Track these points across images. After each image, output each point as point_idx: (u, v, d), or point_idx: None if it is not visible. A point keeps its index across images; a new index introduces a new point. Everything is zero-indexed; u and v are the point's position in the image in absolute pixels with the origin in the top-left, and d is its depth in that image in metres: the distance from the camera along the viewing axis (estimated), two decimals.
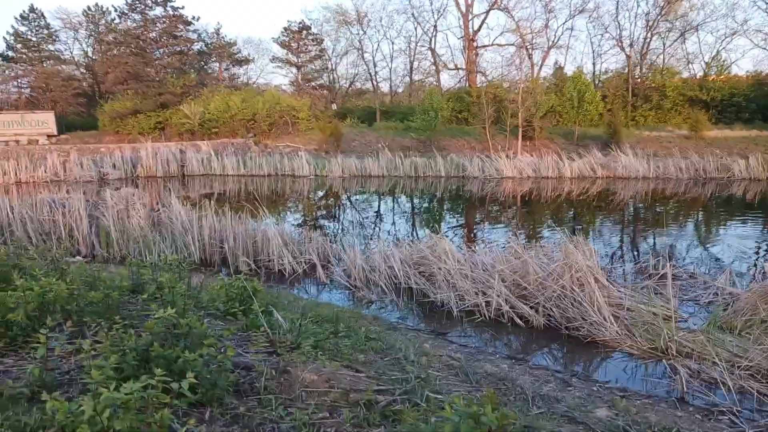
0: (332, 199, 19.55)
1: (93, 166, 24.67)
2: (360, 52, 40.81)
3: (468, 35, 39.71)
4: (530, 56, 36.58)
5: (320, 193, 20.83)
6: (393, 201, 18.78)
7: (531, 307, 6.41)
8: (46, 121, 32.36)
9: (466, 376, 4.04)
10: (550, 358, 5.67)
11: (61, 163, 24.58)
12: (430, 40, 40.76)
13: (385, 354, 4.28)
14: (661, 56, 37.47)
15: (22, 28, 38.49)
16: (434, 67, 41.21)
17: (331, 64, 43.77)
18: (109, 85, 36.79)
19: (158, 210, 10.97)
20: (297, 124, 34.60)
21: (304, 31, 39.70)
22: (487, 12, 39.23)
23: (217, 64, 43.66)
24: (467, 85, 39.35)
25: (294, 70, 42.32)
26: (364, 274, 7.84)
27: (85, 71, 41.21)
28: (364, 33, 40.58)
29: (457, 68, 40.51)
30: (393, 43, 42.32)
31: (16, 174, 23.47)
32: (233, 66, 44.09)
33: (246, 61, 43.39)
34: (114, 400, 2.28)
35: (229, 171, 25.25)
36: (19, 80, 40.25)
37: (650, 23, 35.67)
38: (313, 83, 42.12)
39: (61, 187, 23.07)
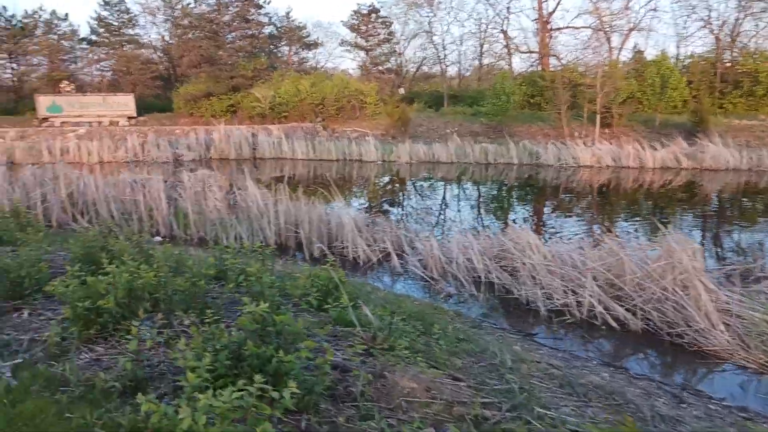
0: (400, 185, 19.27)
1: (169, 147, 25.46)
2: (429, 35, 40.11)
3: (542, 17, 38.19)
4: (608, 39, 34.76)
5: (388, 179, 20.60)
6: (463, 188, 18.30)
7: (627, 310, 5.92)
8: (127, 103, 33.66)
9: (572, 388, 3.67)
10: (652, 367, 5.19)
11: (140, 144, 25.51)
12: (503, 22, 39.51)
13: (479, 358, 3.97)
14: (754, 39, 34.72)
15: (105, 13, 40.12)
16: (506, 50, 39.94)
17: (399, 48, 43.30)
18: (184, 69, 37.88)
19: (234, 193, 11.03)
20: (364, 109, 34.46)
21: (374, 15, 39.35)
22: None
23: (287, 48, 44.06)
24: (539, 68, 37.96)
25: (362, 54, 42.15)
26: (441, 266, 7.53)
27: (162, 55, 42.57)
28: (434, 15, 39.81)
29: (530, 51, 39.07)
30: (463, 26, 41.23)
31: (98, 154, 24.53)
32: (302, 50, 44.39)
33: (315, 44, 43.59)
34: (212, 409, 2.09)
35: (298, 155, 25.43)
36: (101, 63, 42.09)
37: (743, 2, 33.04)
38: (380, 67, 41.79)
39: (139, 167, 24.00)
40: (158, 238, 9.93)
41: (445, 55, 41.67)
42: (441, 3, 39.39)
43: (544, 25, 38.37)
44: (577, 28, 39.17)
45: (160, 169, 23.11)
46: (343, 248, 8.61)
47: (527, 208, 15.08)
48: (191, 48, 37.21)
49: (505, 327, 5.89)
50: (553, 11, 38.03)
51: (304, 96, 33.61)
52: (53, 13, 39.23)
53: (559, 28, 39.71)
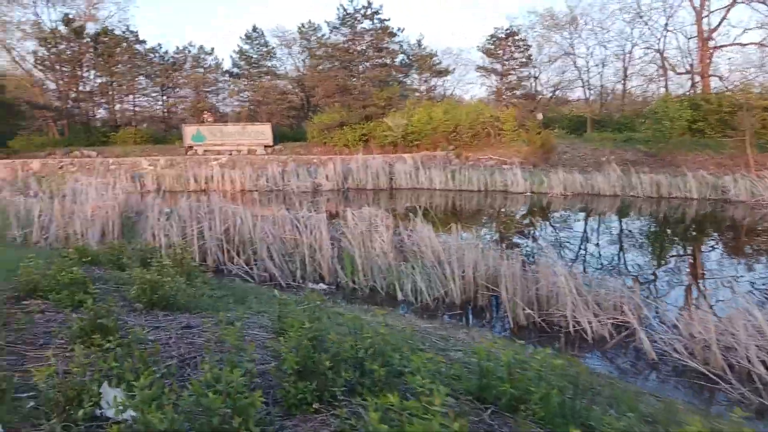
0: (571, 222, 16.76)
1: (308, 176, 25.13)
2: (572, 57, 37.42)
3: (701, 34, 34.24)
4: None
5: (556, 214, 18.08)
6: (655, 229, 15.44)
7: None
8: (264, 132, 34.39)
9: None
10: None
11: (279, 173, 25.44)
12: (658, 41, 35.93)
13: None
14: None
15: (246, 47, 41.89)
16: (660, 71, 36.20)
17: (535, 72, 40.99)
18: (318, 99, 38.25)
19: (402, 233, 9.58)
20: (501, 136, 32.48)
21: (511, 38, 37.49)
22: (730, 6, 33.38)
23: (417, 76, 43.36)
24: (697, 90, 33.92)
25: (494, 79, 40.34)
26: (720, 354, 5.38)
27: (296, 85, 43.59)
28: (579, 36, 37.13)
29: (690, 72, 35.08)
30: (605, 47, 37.97)
31: (241, 183, 24.72)
32: (432, 77, 43.46)
33: (446, 71, 42.46)
34: None
35: (436, 185, 23.99)
36: (240, 94, 43.92)
37: None
38: (516, 92, 39.69)
39: (279, 196, 23.82)
40: (322, 286, 8.68)
41: (589, 78, 38.69)
42: (586, 23, 36.68)
43: (704, 43, 34.39)
44: (743, 45, 34.87)
45: (298, 199, 22.73)
46: (559, 317, 6.71)
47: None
48: (325, 78, 37.53)
49: None
50: (717, 27, 33.97)
51: (437, 124, 32.35)
52: (201, 48, 41.63)
53: (722, 46, 35.50)
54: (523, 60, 38.62)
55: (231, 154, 32.10)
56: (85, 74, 41.33)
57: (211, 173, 25.61)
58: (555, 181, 21.44)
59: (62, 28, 38.88)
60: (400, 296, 7.86)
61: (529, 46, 38.31)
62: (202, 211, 11.18)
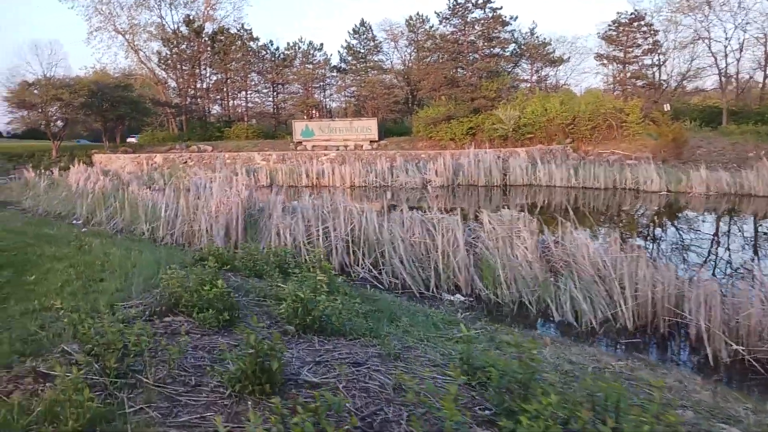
0: (738, 227, 14.50)
1: (417, 172, 24.41)
2: (707, 41, 33.81)
3: None
4: None
5: (707, 218, 15.88)
6: None
7: None
8: (370, 127, 34.17)
9: None
10: None
11: (387, 169, 24.93)
12: None
13: None
14: None
15: (353, 42, 41.95)
16: None
17: (660, 59, 37.58)
18: (424, 92, 37.47)
19: (548, 239, 8.46)
20: (623, 129, 29.96)
21: (636, 23, 34.54)
22: None
23: (528, 66, 41.36)
24: None
25: (616, 67, 37.43)
26: None
27: (401, 79, 43.08)
28: (717, 17, 33.44)
29: None
30: (744, 31, 33.69)
31: (351, 178, 24.47)
32: (545, 67, 41.26)
33: (560, 61, 40.13)
34: None
35: (556, 182, 22.35)
36: (347, 90, 44.12)
37: None
38: (640, 81, 36.61)
39: (387, 192, 23.31)
40: (459, 297, 7.80)
41: (727, 65, 34.82)
42: (723, 4, 32.97)
43: None
44: None
45: (406, 195, 22.10)
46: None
47: None
48: (432, 71, 36.65)
49: None
50: None
51: (553, 116, 30.44)
52: (310, 44, 42.21)
53: None
54: (648, 47, 35.46)
55: (338, 150, 32.15)
56: (202, 72, 43.31)
57: (322, 168, 25.58)
58: (696, 179, 19.13)
59: (183, 29, 40.95)
60: (556, 316, 6.81)
61: (657, 32, 35.10)
62: (325, 209, 10.70)
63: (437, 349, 4.12)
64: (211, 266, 5.02)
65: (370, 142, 33.67)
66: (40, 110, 32.26)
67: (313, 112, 41.32)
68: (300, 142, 34.21)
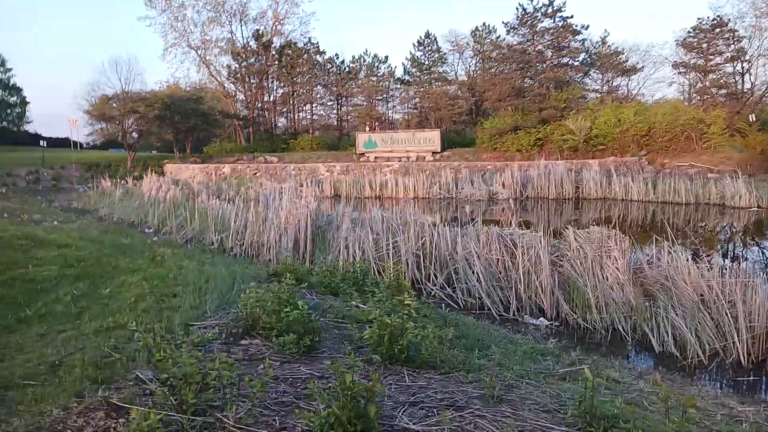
0: None
1: (483, 184, 23.75)
2: None
3: None
4: None
5: None
6: None
7: None
8: (433, 138, 33.73)
9: None
10: None
11: (452, 180, 24.40)
12: None
13: None
14: None
15: (418, 53, 41.74)
16: None
17: (744, 67, 35.29)
18: (491, 102, 36.70)
19: (643, 261, 7.73)
20: (704, 140, 28.18)
21: (718, 29, 32.59)
22: None
23: (599, 75, 39.82)
24: None
25: (695, 76, 35.43)
26: None
27: (465, 90, 42.47)
28: None
29: None
30: None
31: (414, 189, 24.10)
32: (616, 77, 39.61)
33: (633, 70, 38.39)
34: None
35: (633, 195, 21.15)
36: (410, 101, 43.91)
37: None
38: (722, 91, 34.49)
39: (451, 204, 22.77)
40: (544, 322, 7.21)
41: None
42: None
43: None
44: None
45: (471, 207, 21.50)
46: None
47: None
48: (499, 81, 35.87)
49: None
50: None
51: (627, 126, 29.01)
52: (375, 56, 42.34)
53: None
54: (731, 54, 33.35)
55: (400, 161, 31.87)
56: (270, 85, 44.26)
57: (386, 179, 25.34)
58: None
59: (253, 43, 42.01)
60: (655, 346, 6.12)
61: (741, 38, 32.96)
62: (394, 222, 10.34)
63: (541, 389, 3.62)
64: (288, 283, 4.72)
65: (433, 153, 33.21)
66: (117, 122, 33.75)
67: (375, 123, 41.32)
68: (363, 154, 34.19)
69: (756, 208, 18.21)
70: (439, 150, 33.35)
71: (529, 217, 18.95)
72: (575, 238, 8.14)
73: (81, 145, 53.14)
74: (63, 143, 49.65)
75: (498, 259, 8.43)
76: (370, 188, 24.85)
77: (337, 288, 5.81)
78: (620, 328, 6.65)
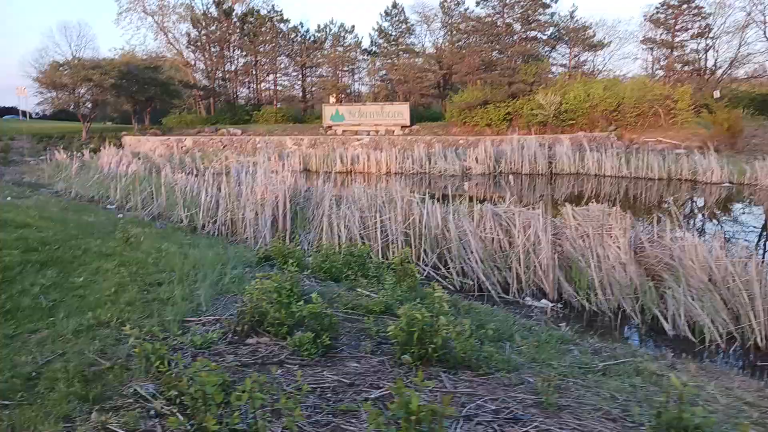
0: None
1: (456, 159, 23.40)
2: (760, 25, 32.00)
3: None
4: None
5: None
6: None
7: None
8: (402, 112, 33.11)
9: None
10: None
11: (426, 155, 23.96)
12: None
13: None
14: None
15: (385, 24, 40.77)
16: None
17: (708, 44, 35.79)
18: (459, 76, 36.21)
19: (644, 239, 7.48)
20: (671, 116, 28.52)
21: (685, 5, 32.78)
22: None
23: (567, 50, 39.76)
24: None
25: (661, 52, 35.74)
26: None
27: (434, 63, 41.84)
28: None
29: None
30: None
31: (387, 164, 23.58)
32: (583, 52, 39.63)
33: (600, 45, 38.43)
34: None
35: (606, 170, 21.20)
36: (377, 73, 43.00)
37: None
38: (687, 67, 34.91)
39: (424, 179, 22.37)
40: (547, 304, 6.91)
41: None
42: None
43: None
44: None
45: (444, 183, 21.20)
46: None
47: None
48: (468, 54, 35.36)
49: None
50: None
51: (597, 102, 29.07)
52: (341, 26, 41.14)
53: None
54: (698, 30, 33.69)
55: (369, 135, 31.21)
56: (231, 54, 42.58)
57: (356, 154, 24.68)
58: (763, 169, 17.82)
59: (213, 10, 40.16)
60: (668, 329, 5.89)
61: (708, 15, 33.30)
62: (379, 199, 9.85)
63: (591, 389, 3.25)
64: (291, 270, 4.20)
65: (402, 127, 32.63)
66: (70, 91, 31.85)
67: (341, 96, 40.34)
68: (330, 127, 33.34)
69: (728, 184, 18.44)
70: (408, 124, 32.79)
71: (504, 192, 18.76)
72: (574, 216, 7.84)
73: (30, 114, 50.35)
74: (10, 112, 46.92)
75: (493, 237, 8.08)
76: (341, 162, 24.18)
77: (338, 273, 5.32)
78: (629, 311, 6.39)
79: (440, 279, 7.69)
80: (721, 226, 12.99)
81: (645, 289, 6.59)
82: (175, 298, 4.04)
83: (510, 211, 8.26)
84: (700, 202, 16.79)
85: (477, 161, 23.19)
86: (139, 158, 21.39)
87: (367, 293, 4.54)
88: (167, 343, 2.93)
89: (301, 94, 44.82)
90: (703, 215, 14.71)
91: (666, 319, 6.06)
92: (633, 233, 7.68)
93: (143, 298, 4.11)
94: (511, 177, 19.80)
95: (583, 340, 5.10)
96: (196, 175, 15.44)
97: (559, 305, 6.86)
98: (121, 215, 12.15)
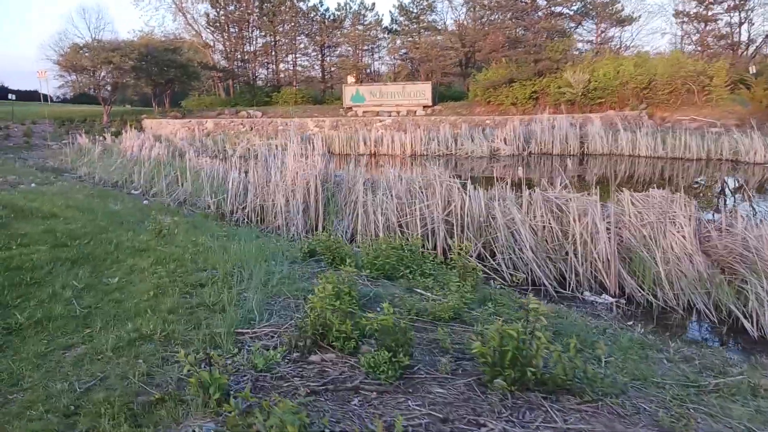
0: None
1: (484, 140, 22.71)
2: None
3: None
4: None
5: None
6: None
7: None
8: (424, 91, 32.32)
9: None
10: None
11: (451, 136, 23.31)
12: None
13: None
14: None
15: (406, 1, 39.72)
16: None
17: (742, 17, 34.28)
18: (484, 54, 35.24)
19: (711, 228, 6.90)
20: (705, 93, 27.39)
21: None
22: None
23: (594, 26, 38.45)
24: None
25: (694, 27, 34.35)
26: None
27: (456, 40, 40.80)
28: None
29: None
30: None
31: (411, 146, 22.99)
32: (610, 27, 38.29)
33: (629, 20, 37.06)
34: None
35: (641, 150, 20.38)
36: (398, 52, 42.10)
37: None
38: (723, 41, 33.53)
39: (450, 161, 21.76)
40: (608, 299, 6.39)
41: None
42: None
43: None
44: None
45: (471, 165, 20.61)
46: None
47: None
48: (493, 30, 34.34)
49: None
50: None
51: (627, 79, 28.02)
52: (361, 3, 40.21)
53: None
54: (733, 3, 32.24)
55: (390, 116, 30.54)
56: (250, 35, 41.96)
57: (380, 136, 24.11)
58: None
59: None
60: (750, 330, 5.35)
61: None
62: (416, 184, 9.35)
63: (718, 418, 2.76)
64: (349, 271, 3.74)
65: (424, 107, 31.87)
66: (90, 74, 31.61)
67: (362, 75, 39.58)
68: (350, 108, 32.71)
69: None
70: (431, 104, 32.01)
71: (534, 174, 18.13)
72: (633, 203, 7.27)
73: (51, 98, 50.42)
74: (32, 96, 46.94)
75: (544, 226, 7.54)
76: (365, 145, 23.65)
77: (392, 270, 4.83)
78: (701, 308, 5.85)
79: (489, 272, 7.20)
80: None
81: (716, 283, 6.04)
82: (223, 303, 3.61)
83: (563, 197, 7.70)
84: (750, 184, 15.99)
85: (506, 142, 22.48)
86: (160, 141, 21.06)
87: (433, 296, 4.06)
88: (225, 368, 2.49)
89: (320, 75, 44.12)
90: (757, 197, 13.96)
91: (746, 317, 5.51)
92: (698, 221, 7.10)
93: (186, 303, 3.69)
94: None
95: (664, 344, 4.59)
96: (222, 159, 15.05)
97: (622, 301, 6.34)
98: (146, 201, 11.83)
